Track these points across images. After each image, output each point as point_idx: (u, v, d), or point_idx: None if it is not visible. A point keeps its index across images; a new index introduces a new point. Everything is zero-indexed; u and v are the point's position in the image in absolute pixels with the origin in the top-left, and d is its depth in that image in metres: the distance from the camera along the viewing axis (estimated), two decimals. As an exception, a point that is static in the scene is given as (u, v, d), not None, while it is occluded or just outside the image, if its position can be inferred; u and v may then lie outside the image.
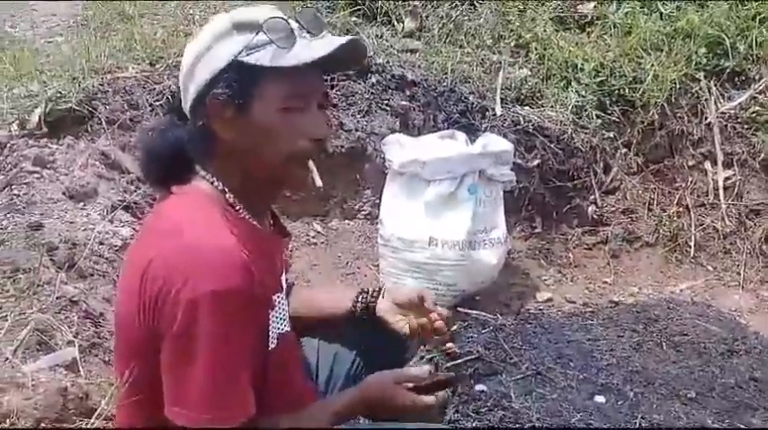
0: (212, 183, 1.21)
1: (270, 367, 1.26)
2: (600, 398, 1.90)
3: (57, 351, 1.66)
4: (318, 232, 2.88)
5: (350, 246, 2.85)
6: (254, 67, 1.15)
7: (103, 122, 2.47)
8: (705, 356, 2.14)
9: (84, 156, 2.35)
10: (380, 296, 1.50)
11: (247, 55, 1.15)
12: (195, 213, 1.17)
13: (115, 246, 2.14)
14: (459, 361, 2.02)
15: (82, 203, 2.24)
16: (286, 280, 1.40)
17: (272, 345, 1.27)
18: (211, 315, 1.08)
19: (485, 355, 2.01)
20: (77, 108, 2.45)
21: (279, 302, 1.31)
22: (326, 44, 1.17)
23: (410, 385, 1.37)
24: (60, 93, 2.46)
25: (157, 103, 2.60)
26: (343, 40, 1.19)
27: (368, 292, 1.51)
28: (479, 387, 1.90)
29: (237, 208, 1.22)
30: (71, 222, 2.13)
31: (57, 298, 1.79)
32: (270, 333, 1.27)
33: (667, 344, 2.19)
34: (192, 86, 1.18)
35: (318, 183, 1.34)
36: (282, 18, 1.18)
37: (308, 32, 1.19)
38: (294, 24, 1.18)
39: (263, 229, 1.28)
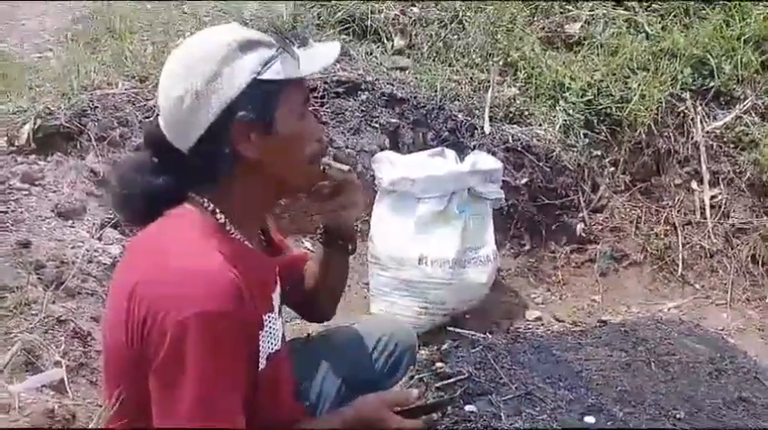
0: (202, 204, 1.20)
1: (260, 387, 1.26)
2: (590, 419, 1.90)
3: (44, 371, 1.65)
4: (308, 249, 2.87)
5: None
6: (273, 83, 1.15)
7: (93, 139, 2.46)
8: (693, 376, 2.15)
9: (73, 173, 2.34)
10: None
11: (264, 71, 1.15)
12: (182, 234, 1.17)
13: (104, 264, 2.13)
14: (450, 381, 2.02)
15: (70, 221, 2.23)
16: (282, 295, 1.40)
17: (261, 366, 1.26)
18: (199, 337, 1.07)
19: (475, 375, 2.01)
20: (67, 124, 2.44)
21: (269, 322, 1.30)
22: (329, 51, 1.25)
23: (397, 409, 1.37)
24: (49, 109, 2.45)
25: (147, 120, 2.59)
26: (335, 49, 1.27)
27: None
28: (469, 407, 1.89)
29: (228, 228, 1.21)
30: (59, 240, 2.12)
31: (44, 317, 1.78)
32: (260, 353, 1.26)
33: (656, 364, 2.20)
34: (201, 116, 1.13)
35: (345, 168, 1.38)
36: (281, 33, 1.23)
37: (299, 43, 1.21)
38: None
39: (253, 248, 1.27)
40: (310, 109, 1.27)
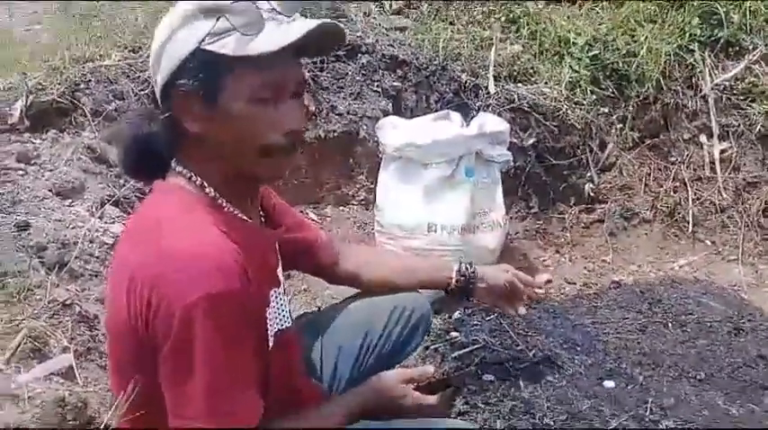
0: (190, 179, 1.15)
1: (271, 367, 1.22)
2: (609, 383, 1.88)
3: (51, 358, 1.60)
4: (312, 219, 2.82)
5: (345, 233, 2.79)
6: (218, 56, 1.07)
7: (88, 114, 2.38)
8: (712, 336, 2.12)
9: (70, 151, 2.26)
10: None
11: (212, 42, 1.07)
12: (177, 214, 1.11)
13: (106, 243, 2.07)
14: (465, 350, 1.99)
15: (69, 200, 2.16)
16: (282, 273, 1.36)
17: (270, 344, 1.22)
18: (208, 320, 1.03)
19: (490, 343, 1.97)
20: (60, 100, 2.35)
21: (275, 298, 1.26)
22: (295, 30, 1.08)
23: (413, 385, 1.35)
24: (41, 84, 2.36)
25: (143, 92, 2.51)
26: (312, 24, 1.09)
27: (466, 274, 1.60)
28: (487, 376, 1.86)
29: (220, 202, 1.16)
30: (59, 220, 2.05)
31: (48, 302, 1.72)
32: (268, 331, 1.22)
33: (673, 325, 2.17)
34: (158, 75, 1.12)
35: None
36: (249, 1, 1.09)
37: (280, 14, 1.11)
38: (265, 6, 1.10)
39: (252, 223, 1.22)
40: (295, 99, 1.15)
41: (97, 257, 2.02)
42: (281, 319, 1.29)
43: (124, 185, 2.32)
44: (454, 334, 2.05)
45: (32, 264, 1.82)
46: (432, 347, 1.98)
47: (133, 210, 2.21)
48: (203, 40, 1.07)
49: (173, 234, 1.08)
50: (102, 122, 2.40)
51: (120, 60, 2.63)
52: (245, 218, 1.20)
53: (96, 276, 1.95)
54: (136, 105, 2.45)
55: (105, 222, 2.17)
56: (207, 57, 1.08)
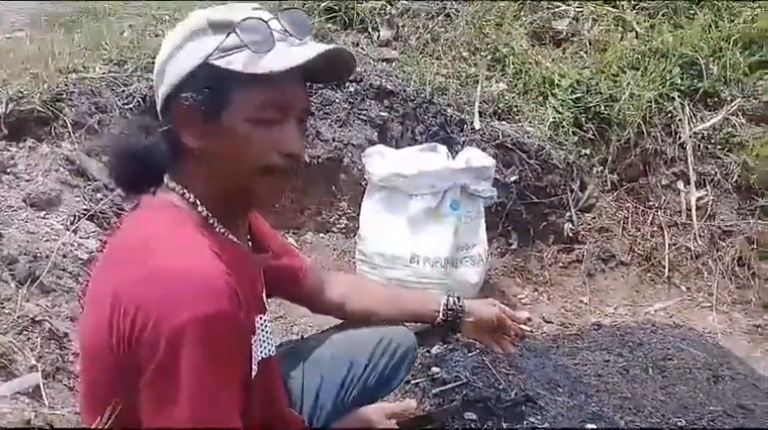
0: (182, 195, 1.10)
1: (253, 396, 1.16)
2: (591, 427, 1.85)
3: (18, 376, 1.52)
4: (292, 245, 2.77)
5: (324, 261, 2.75)
6: (225, 72, 1.04)
7: (69, 125, 2.31)
8: (691, 382, 2.12)
9: (48, 162, 2.19)
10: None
11: (219, 57, 1.04)
12: (166, 231, 1.06)
13: (80, 259, 2.00)
14: (447, 387, 1.95)
15: (44, 212, 2.09)
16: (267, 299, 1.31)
17: (254, 373, 1.16)
18: (197, 344, 0.96)
19: (472, 381, 1.94)
20: (41, 109, 2.28)
21: (261, 326, 1.21)
22: (307, 52, 1.06)
23: (396, 420, 1.31)
24: (22, 92, 2.29)
25: (126, 107, 2.46)
26: (325, 47, 1.07)
27: (454, 308, 1.55)
28: (469, 415, 1.82)
29: (212, 221, 1.11)
30: (32, 232, 1.98)
31: (17, 317, 1.65)
32: (252, 359, 1.17)
33: (653, 370, 2.16)
34: (161, 87, 1.09)
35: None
36: (262, 19, 1.07)
37: (291, 36, 1.09)
38: (276, 26, 1.08)
39: (242, 246, 1.18)
40: (297, 124, 1.11)
41: (70, 273, 1.94)
42: (265, 347, 1.24)
43: (102, 200, 2.25)
44: (435, 369, 2.01)
45: (2, 276, 1.74)
46: (412, 382, 1.94)
47: (110, 226, 2.15)
48: (211, 55, 1.05)
49: (162, 252, 1.02)
50: (84, 134, 2.34)
51: (104, 73, 2.58)
52: (235, 240, 1.15)
53: (68, 292, 1.88)
54: (119, 119, 2.39)
55: (80, 237, 2.10)
56: (214, 72, 1.05)
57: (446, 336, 1.64)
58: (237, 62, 1.04)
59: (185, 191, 1.11)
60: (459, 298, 1.60)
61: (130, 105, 2.44)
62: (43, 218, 2.08)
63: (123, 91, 2.50)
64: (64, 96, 2.37)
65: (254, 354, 1.17)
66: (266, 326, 1.24)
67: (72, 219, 2.12)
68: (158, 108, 1.12)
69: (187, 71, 1.06)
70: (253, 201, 1.18)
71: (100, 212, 2.20)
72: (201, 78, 1.05)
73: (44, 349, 1.63)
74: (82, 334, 1.14)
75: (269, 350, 1.25)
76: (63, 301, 1.84)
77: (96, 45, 2.72)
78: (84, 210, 2.17)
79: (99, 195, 2.25)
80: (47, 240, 1.99)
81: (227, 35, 1.05)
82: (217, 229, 1.12)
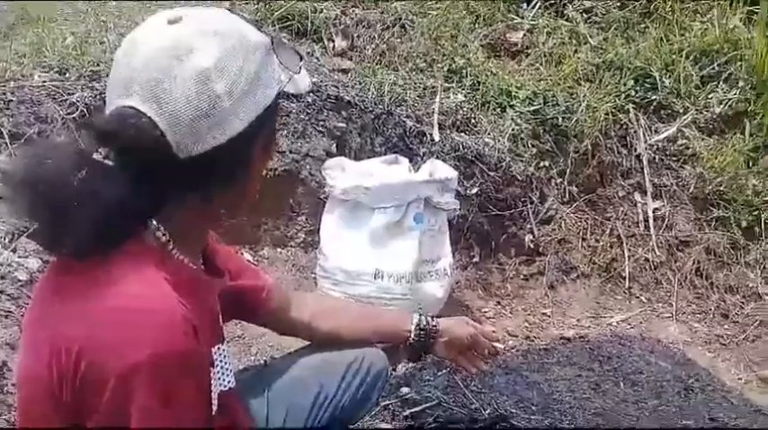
0: (154, 233, 0.98)
1: None
2: (566, 445, 1.80)
3: (-49, 411, 1.38)
4: (248, 261, 2.65)
5: (282, 277, 2.63)
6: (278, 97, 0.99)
7: (6, 136, 2.15)
8: (663, 396, 2.09)
9: (-17, 175, 2.02)
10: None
11: (286, 83, 0.99)
12: (113, 260, 0.93)
13: (20, 280, 1.86)
14: (418, 408, 1.87)
15: (-21, 230, 1.93)
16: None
17: (214, 407, 1.06)
18: (148, 385, 0.86)
19: (444, 401, 1.86)
20: (-25, 119, 2.13)
21: (220, 356, 1.11)
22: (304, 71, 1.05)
23: None
24: (-45, 101, 2.13)
25: (70, 116, 2.31)
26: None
27: (427, 328, 1.49)
28: (442, 437, 1.74)
29: (170, 247, 0.99)
30: (-34, 252, 1.82)
31: (-50, 344, 1.50)
32: (212, 393, 1.06)
33: (625, 383, 2.13)
34: (233, 123, 0.91)
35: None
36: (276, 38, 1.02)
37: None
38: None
39: (199, 270, 1.07)
40: None
41: (9, 295, 1.79)
42: (224, 379, 1.14)
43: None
44: (405, 389, 1.93)
45: (-67, 300, 1.59)
46: (381, 404, 1.85)
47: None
48: (281, 81, 0.97)
49: (112, 286, 0.90)
50: (22, 146, 2.18)
51: (45, 81, 2.42)
52: (192, 266, 1.04)
53: (7, 317, 1.74)
54: (61, 129, 2.23)
55: (19, 256, 1.94)
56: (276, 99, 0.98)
57: (417, 357, 1.56)
58: (289, 83, 1.00)
59: (159, 226, 0.98)
60: (432, 317, 1.53)
61: (73, 115, 2.29)
62: (-22, 236, 1.92)
63: (66, 100, 2.35)
64: (0, 106, 2.21)
65: (214, 387, 1.07)
66: (225, 356, 1.14)
67: (10, 236, 1.96)
68: (212, 144, 0.91)
69: (270, 99, 0.96)
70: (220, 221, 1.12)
71: (41, 229, 2.05)
72: (271, 111, 0.97)
73: (-20, 380, 1.48)
74: (20, 369, 1.01)
75: (228, 381, 1.15)
76: (1, 327, 1.69)
77: (36, 52, 2.56)
78: (23, 227, 2.01)
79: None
80: (-18, 260, 1.83)
81: (277, 55, 0.98)
82: (175, 256, 1.00)
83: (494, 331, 1.61)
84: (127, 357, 0.85)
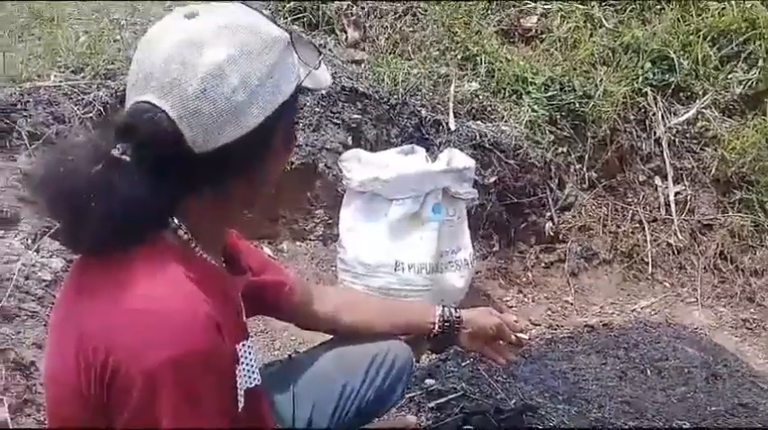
0: (175, 230, 0.97)
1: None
2: (596, 434, 1.78)
3: (-19, 413, 1.39)
4: (268, 255, 2.65)
5: (302, 270, 2.63)
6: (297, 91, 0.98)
7: (24, 137, 2.16)
8: (691, 382, 2.07)
9: (3, 177, 2.03)
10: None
11: (305, 77, 0.98)
12: (135, 257, 0.94)
13: (44, 280, 1.86)
14: (443, 399, 1.85)
15: (2, 231, 1.93)
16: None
17: (240, 405, 1.06)
18: (173, 386, 0.86)
19: (469, 392, 1.85)
20: (-7, 121, 2.13)
21: (244, 352, 1.10)
22: (323, 66, 1.03)
23: None
24: (-28, 103, 2.14)
25: (87, 116, 2.31)
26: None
27: (450, 319, 1.48)
28: (468, 427, 1.73)
29: (193, 244, 0.99)
30: (-10, 254, 1.83)
31: (-21, 346, 1.51)
32: (238, 390, 1.05)
33: (651, 370, 2.11)
34: (249, 116, 0.91)
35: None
36: (297, 34, 1.01)
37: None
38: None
39: (221, 268, 1.07)
40: None
41: (34, 296, 1.80)
42: (250, 376, 1.12)
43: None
44: (430, 381, 1.92)
45: (-41, 303, 1.60)
46: (407, 396, 1.84)
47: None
48: (299, 76, 0.97)
49: (137, 286, 0.90)
50: (41, 147, 2.18)
51: (61, 81, 2.43)
52: (215, 264, 1.04)
53: (33, 317, 1.74)
54: (79, 129, 2.24)
55: (43, 256, 1.95)
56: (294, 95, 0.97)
57: (442, 348, 1.55)
58: (309, 79, 0.99)
59: (180, 224, 0.98)
60: (455, 308, 1.52)
61: (90, 114, 2.29)
62: (1, 237, 1.93)
63: (82, 99, 2.36)
64: (18, 107, 2.21)
65: (239, 385, 1.06)
66: (250, 353, 1.13)
67: (33, 237, 1.97)
68: (233, 137, 0.91)
69: (282, 99, 0.94)
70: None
71: (63, 229, 2.05)
72: (290, 106, 0.96)
73: (9, 381, 1.49)
74: (48, 369, 1.01)
75: (254, 378, 1.14)
76: (27, 328, 1.70)
77: (50, 52, 2.56)
78: (46, 227, 2.02)
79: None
80: (6, 262, 1.85)
81: (295, 50, 0.97)
82: (198, 253, 1.00)
83: (517, 321, 1.59)
84: (152, 357, 0.85)
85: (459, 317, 1.50)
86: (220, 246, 1.10)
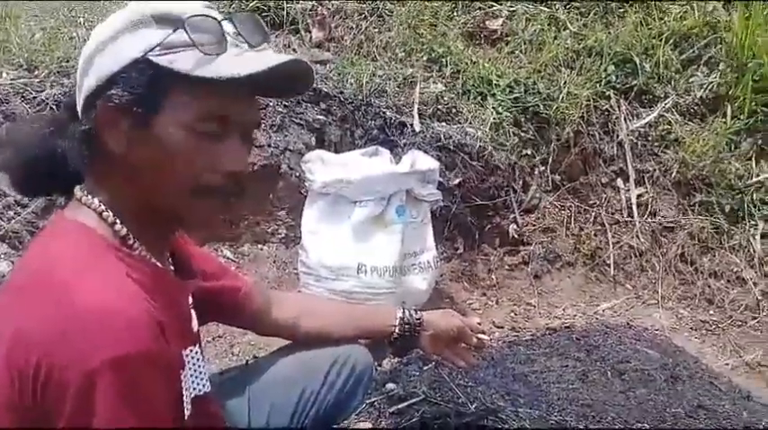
0: (100, 214, 0.96)
1: None
2: (555, 437, 1.77)
3: None
4: (228, 258, 2.60)
5: (264, 273, 2.59)
6: (167, 71, 0.91)
7: (-28, 136, 2.08)
8: (651, 384, 2.07)
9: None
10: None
11: (162, 54, 0.92)
12: (78, 256, 0.91)
13: (-9, 284, 1.78)
14: (404, 404, 1.83)
15: (-53, 234, 1.86)
16: (200, 327, 1.16)
17: (187, 412, 1.02)
18: (112, 389, 0.82)
19: (430, 396, 1.82)
20: (-61, 119, 2.05)
21: (192, 358, 1.07)
22: (263, 60, 0.93)
23: None
24: None
25: (38, 113, 2.24)
26: (285, 58, 0.95)
27: (411, 322, 1.46)
28: (429, 433, 1.71)
29: (132, 242, 0.97)
30: (-67, 258, 1.76)
31: None
32: (184, 398, 1.02)
33: (612, 373, 2.11)
34: (87, 80, 0.95)
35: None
36: (214, 18, 0.95)
37: (245, 41, 0.96)
38: (229, 28, 0.95)
39: (166, 270, 1.04)
40: (242, 140, 0.98)
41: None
42: (198, 383, 1.09)
43: (13, 218, 2.03)
44: (391, 385, 1.89)
45: None
46: (367, 401, 1.81)
47: (23, 247, 1.94)
48: (153, 50, 0.91)
49: (70, 285, 0.86)
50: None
51: (13, 79, 2.35)
52: (158, 264, 1.01)
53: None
54: (26, 117, 2.17)
55: (-10, 260, 1.88)
56: (153, 69, 0.91)
57: (404, 351, 1.53)
58: (184, 62, 0.91)
59: (102, 206, 0.96)
60: (416, 310, 1.50)
61: (42, 113, 2.22)
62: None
63: (35, 97, 2.29)
64: (-33, 105, 2.14)
65: (186, 391, 1.03)
66: (198, 359, 1.09)
67: (-21, 240, 1.90)
68: (80, 105, 0.97)
69: (121, 65, 0.92)
70: (182, 224, 1.05)
71: (12, 232, 1.99)
72: (137, 75, 0.92)
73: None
74: None
75: (203, 385, 1.11)
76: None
77: (3, 49, 2.48)
78: (-7, 230, 1.95)
79: (10, 213, 2.04)
80: (-49, 266, 1.77)
81: (175, 30, 0.92)
82: (137, 251, 0.97)
83: (479, 322, 1.57)
84: (87, 361, 0.81)
85: (419, 318, 1.48)
86: (165, 248, 1.07)
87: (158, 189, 0.96)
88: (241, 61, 0.93)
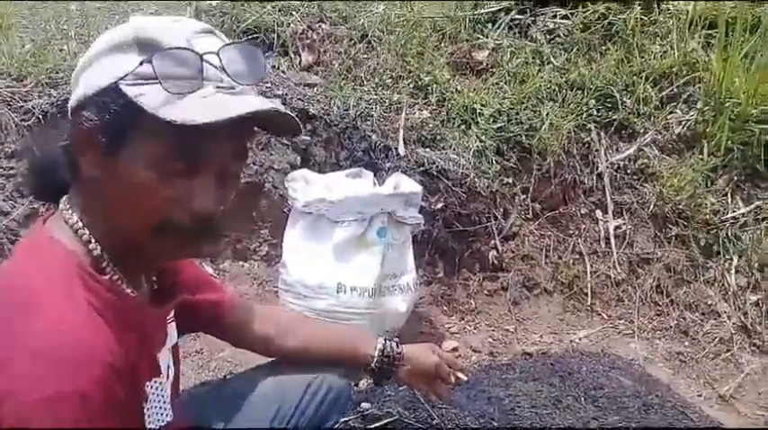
0: (76, 231, 0.95)
1: None
2: (526, 461, 1.78)
3: None
4: (210, 274, 2.60)
5: (244, 290, 2.59)
6: (134, 104, 0.87)
7: (-42, 144, 2.09)
8: (623, 412, 2.10)
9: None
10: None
11: (132, 84, 0.88)
12: (38, 281, 0.89)
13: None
14: (378, 424, 1.84)
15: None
16: (172, 351, 1.16)
17: None
18: (48, 427, 0.79)
19: (405, 416, 1.83)
20: (-74, 125, 2.06)
21: (155, 390, 1.05)
22: (232, 105, 0.88)
23: None
24: None
25: (25, 124, 2.25)
26: (260, 107, 0.89)
27: (391, 355, 1.45)
28: (403, 452, 1.71)
29: (104, 265, 0.95)
30: None
31: None
32: None
33: (585, 399, 2.13)
34: (74, 93, 0.96)
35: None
36: (194, 51, 0.89)
37: (229, 76, 0.91)
38: (215, 61, 0.90)
39: (136, 297, 1.01)
40: (217, 177, 0.92)
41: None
42: (161, 414, 1.08)
43: (-6, 226, 2.02)
44: (366, 405, 1.90)
45: None
46: (341, 421, 1.81)
47: (3, 255, 1.93)
48: (123, 78, 0.89)
49: (31, 312, 0.84)
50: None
51: (1, 88, 2.37)
52: (128, 291, 0.99)
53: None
54: (17, 137, 2.18)
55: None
56: (122, 99, 0.89)
57: (379, 380, 1.51)
58: (151, 97, 0.87)
59: (79, 223, 0.95)
60: (397, 343, 1.48)
61: (29, 122, 2.23)
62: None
63: (21, 107, 2.29)
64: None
65: (148, 424, 1.02)
66: (161, 391, 1.07)
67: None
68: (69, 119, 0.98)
69: (97, 88, 0.90)
70: (147, 257, 1.02)
71: (-7, 239, 1.98)
72: (108, 101, 0.89)
73: None
74: None
75: (165, 415, 1.08)
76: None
77: (-8, 58, 2.50)
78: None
79: (-8, 221, 2.03)
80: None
81: (142, 62, 0.88)
82: (108, 276, 0.95)
83: (459, 355, 1.58)
84: (24, 396, 0.79)
85: (399, 352, 1.47)
86: (145, 272, 1.06)
87: (122, 219, 0.94)
88: (206, 105, 0.87)
